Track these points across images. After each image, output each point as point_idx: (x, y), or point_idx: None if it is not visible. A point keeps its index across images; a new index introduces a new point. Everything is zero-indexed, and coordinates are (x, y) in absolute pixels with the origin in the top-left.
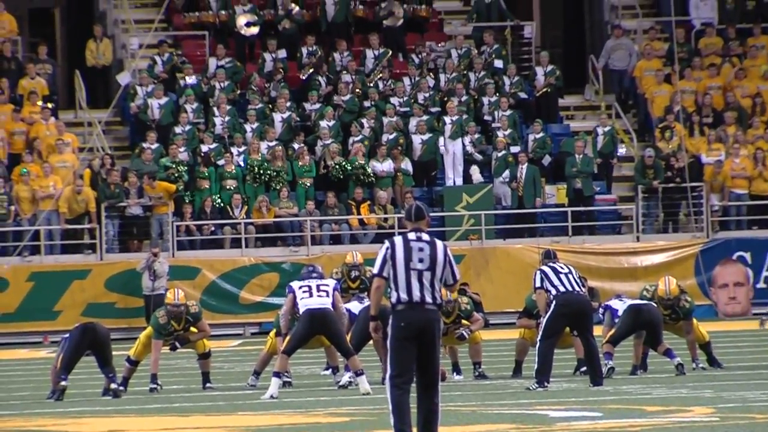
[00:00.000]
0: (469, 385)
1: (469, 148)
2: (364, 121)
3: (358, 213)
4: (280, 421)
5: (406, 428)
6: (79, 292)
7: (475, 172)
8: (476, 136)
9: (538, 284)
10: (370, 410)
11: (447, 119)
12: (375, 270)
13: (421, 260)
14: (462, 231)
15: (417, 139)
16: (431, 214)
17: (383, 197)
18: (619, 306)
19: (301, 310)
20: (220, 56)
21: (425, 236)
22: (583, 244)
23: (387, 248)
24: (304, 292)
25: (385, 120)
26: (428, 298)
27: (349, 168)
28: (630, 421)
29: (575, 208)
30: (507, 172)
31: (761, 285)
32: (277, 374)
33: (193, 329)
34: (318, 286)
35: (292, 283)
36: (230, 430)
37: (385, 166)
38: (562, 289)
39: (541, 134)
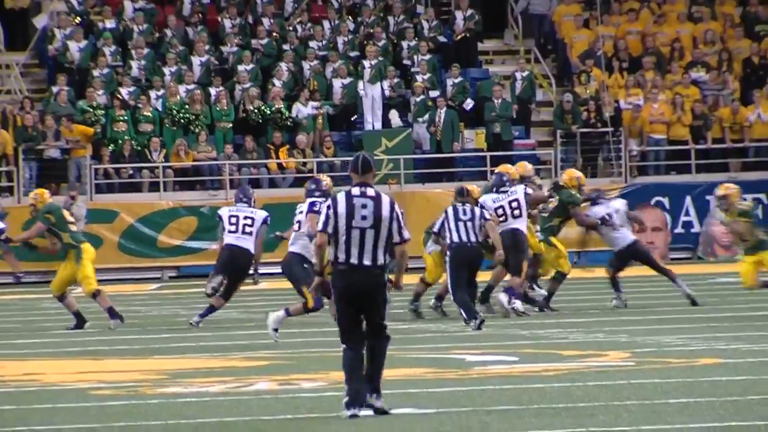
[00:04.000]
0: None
1: (388, 93)
2: (282, 64)
3: (277, 157)
4: (195, 365)
5: (358, 387)
6: None
7: (394, 117)
8: (395, 80)
9: (436, 229)
10: (289, 354)
11: (366, 63)
12: (319, 226)
13: (363, 218)
14: (381, 175)
15: (337, 83)
16: (349, 158)
17: (302, 141)
18: None
19: (224, 242)
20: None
21: (371, 191)
22: None
23: (329, 206)
24: (231, 224)
25: (305, 64)
26: (367, 261)
27: (268, 112)
28: (546, 366)
29: (494, 153)
30: (426, 117)
31: (679, 230)
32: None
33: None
34: (244, 220)
35: (220, 211)
36: (145, 374)
37: (309, 109)
38: (455, 239)
39: (460, 79)
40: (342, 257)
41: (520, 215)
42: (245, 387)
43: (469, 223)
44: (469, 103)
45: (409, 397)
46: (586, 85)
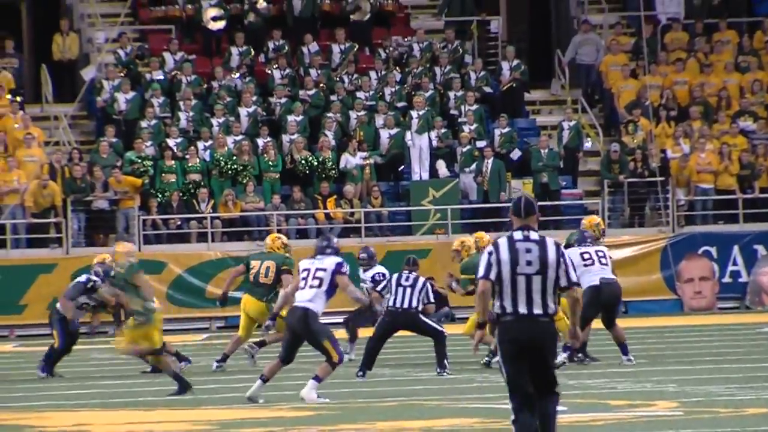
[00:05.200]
0: (434, 380)
1: (435, 143)
2: (330, 115)
3: (325, 207)
4: (243, 416)
5: None
6: (45, 286)
7: (442, 167)
8: (443, 130)
9: (379, 288)
10: (335, 404)
11: (414, 113)
12: (480, 272)
13: (529, 263)
14: (428, 225)
15: (384, 134)
16: (397, 209)
17: (350, 191)
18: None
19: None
20: (177, 50)
21: (534, 235)
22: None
23: (491, 252)
24: (302, 279)
25: (353, 114)
26: (537, 309)
27: (315, 163)
28: (594, 416)
29: (541, 203)
30: (473, 166)
31: (727, 279)
32: (263, 378)
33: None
34: (315, 271)
35: (300, 263)
36: (194, 424)
37: (357, 159)
38: (391, 304)
39: (508, 129)
40: (509, 307)
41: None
42: None
43: (408, 289)
44: (516, 153)
45: None
46: (634, 134)
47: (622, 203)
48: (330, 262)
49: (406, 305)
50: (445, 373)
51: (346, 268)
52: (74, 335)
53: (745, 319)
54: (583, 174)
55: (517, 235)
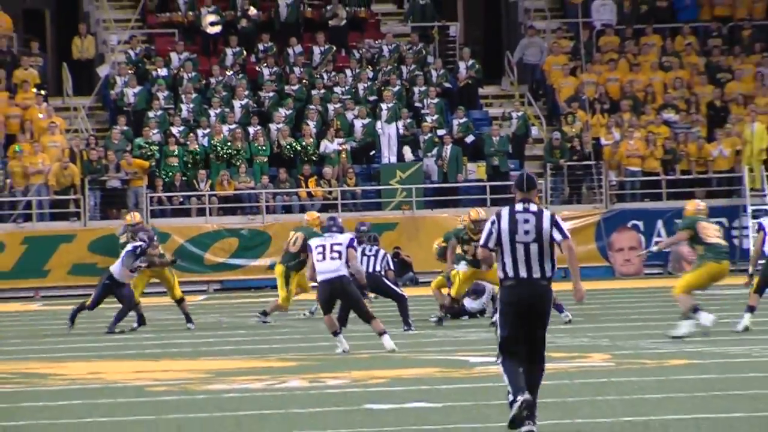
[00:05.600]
0: (401, 335)
1: (402, 131)
2: (312, 106)
3: (306, 186)
4: (237, 365)
5: (520, 393)
6: (66, 254)
7: (407, 152)
8: (408, 120)
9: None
10: (316, 356)
11: (383, 106)
12: (481, 241)
13: (526, 232)
14: (396, 202)
15: (358, 123)
16: (369, 188)
17: (328, 173)
18: None
19: (318, 277)
20: (179, 51)
21: (533, 207)
22: None
23: (493, 222)
24: (318, 253)
25: (330, 106)
26: (536, 273)
27: (299, 148)
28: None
29: (493, 183)
30: (435, 151)
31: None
32: (335, 333)
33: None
34: (332, 246)
35: (310, 242)
36: (194, 373)
37: (334, 145)
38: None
39: (464, 119)
40: (510, 272)
41: None
42: (280, 384)
43: (372, 258)
44: (470, 137)
45: (421, 393)
46: (572, 124)
47: (562, 183)
48: (344, 237)
49: (371, 270)
50: (410, 330)
51: (356, 243)
52: (130, 297)
53: (668, 283)
54: (528, 158)
55: (518, 207)
